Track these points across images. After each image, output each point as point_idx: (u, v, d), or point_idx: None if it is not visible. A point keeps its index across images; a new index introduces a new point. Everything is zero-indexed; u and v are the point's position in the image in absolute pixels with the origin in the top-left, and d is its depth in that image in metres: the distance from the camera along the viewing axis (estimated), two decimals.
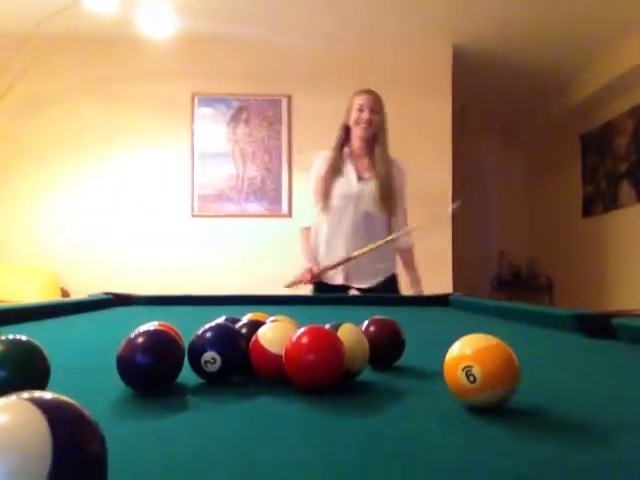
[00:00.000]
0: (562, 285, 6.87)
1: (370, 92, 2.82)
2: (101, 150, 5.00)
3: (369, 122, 2.75)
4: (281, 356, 0.72)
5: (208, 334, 0.76)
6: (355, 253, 2.71)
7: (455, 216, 2.72)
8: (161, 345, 0.70)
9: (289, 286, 2.83)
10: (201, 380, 0.77)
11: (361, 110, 2.76)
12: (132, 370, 0.69)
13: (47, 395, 0.34)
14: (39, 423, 0.31)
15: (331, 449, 0.49)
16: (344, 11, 4.61)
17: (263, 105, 5.07)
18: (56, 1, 4.11)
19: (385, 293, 2.73)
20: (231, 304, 2.19)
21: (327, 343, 0.71)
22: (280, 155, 5.07)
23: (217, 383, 0.76)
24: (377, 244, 2.70)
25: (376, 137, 2.81)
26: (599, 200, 6.08)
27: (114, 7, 4.01)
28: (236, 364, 0.76)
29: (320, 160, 2.89)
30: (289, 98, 5.07)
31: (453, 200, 2.94)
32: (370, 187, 2.78)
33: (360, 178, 2.81)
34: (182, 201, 5.03)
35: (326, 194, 2.79)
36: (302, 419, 0.60)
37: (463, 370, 0.61)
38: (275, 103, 5.08)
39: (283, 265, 4.96)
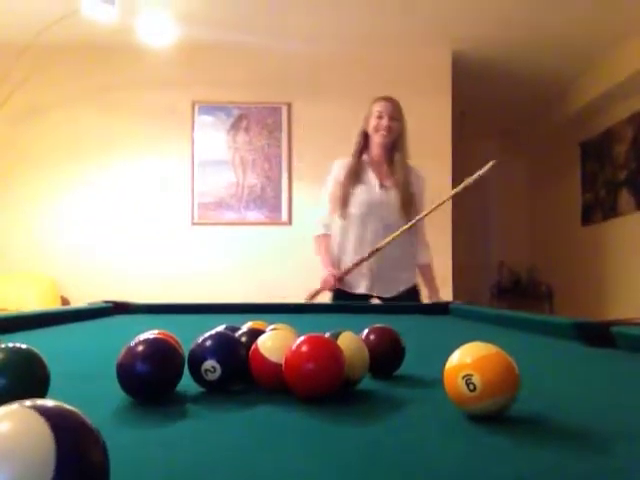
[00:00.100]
0: (562, 293, 6.87)
1: (389, 99, 2.80)
2: (101, 158, 5.01)
3: (388, 129, 2.74)
4: (281, 364, 0.72)
5: (208, 342, 0.76)
6: (378, 245, 2.67)
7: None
8: (161, 353, 0.70)
9: (311, 298, 2.78)
10: (201, 389, 0.76)
11: (380, 117, 2.74)
12: (132, 378, 0.69)
13: (49, 403, 0.34)
14: (43, 430, 0.31)
15: (331, 458, 0.49)
16: (344, 19, 4.64)
17: (263, 113, 5.09)
18: (55, 10, 4.13)
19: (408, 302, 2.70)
20: (231, 312, 2.18)
21: (327, 352, 0.71)
22: (280, 163, 5.08)
23: (217, 392, 0.76)
24: (399, 232, 2.66)
25: (395, 144, 2.79)
26: (598, 208, 6.09)
27: (114, 16, 4.02)
28: (236, 373, 0.76)
29: (338, 167, 2.87)
30: (289, 106, 5.09)
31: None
32: (392, 195, 2.77)
33: (382, 186, 2.79)
34: (182, 209, 5.04)
35: (345, 201, 2.77)
36: (302, 428, 0.60)
37: (463, 378, 0.61)
38: (275, 111, 5.09)
39: (283, 273, 4.99)
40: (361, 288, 2.79)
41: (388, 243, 2.68)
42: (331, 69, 5.12)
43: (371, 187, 2.79)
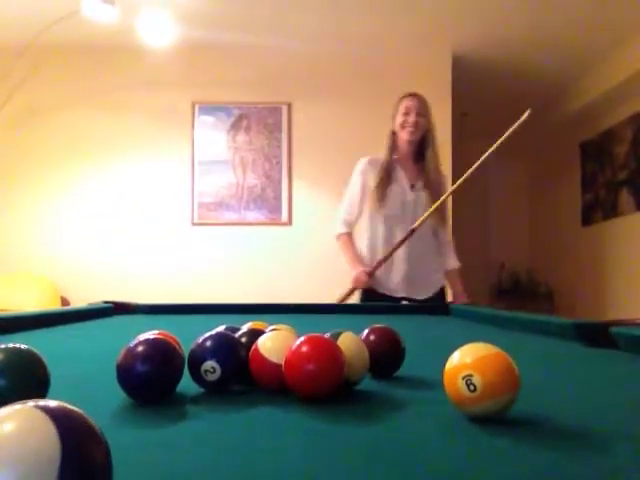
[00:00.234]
0: (562, 293, 6.87)
1: (415, 95, 2.77)
2: (101, 158, 5.01)
3: (415, 125, 2.70)
4: (281, 365, 0.72)
5: (208, 343, 0.76)
6: (413, 226, 2.66)
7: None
8: (161, 354, 0.70)
9: (342, 300, 2.74)
10: (201, 389, 0.76)
11: (407, 113, 2.71)
12: (132, 379, 0.69)
13: (53, 403, 0.34)
14: (48, 430, 0.31)
15: (331, 458, 0.49)
16: (344, 20, 4.64)
17: (263, 113, 5.09)
18: (55, 11, 4.13)
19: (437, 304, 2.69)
20: (231, 312, 2.19)
21: (327, 352, 0.71)
22: (280, 163, 5.08)
23: (217, 392, 0.76)
24: (429, 212, 2.65)
25: (425, 140, 2.76)
26: (599, 208, 6.09)
27: (114, 16, 4.02)
28: (236, 373, 0.76)
29: (367, 165, 2.81)
30: (289, 106, 5.09)
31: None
32: (422, 196, 2.75)
33: (412, 186, 2.76)
34: (182, 209, 5.04)
35: (382, 200, 2.72)
36: (302, 428, 0.60)
37: (463, 379, 0.61)
38: (275, 111, 5.09)
39: (283, 273, 4.99)
40: (399, 292, 2.77)
41: (421, 224, 2.65)
42: (331, 69, 5.12)
43: (404, 187, 2.76)
